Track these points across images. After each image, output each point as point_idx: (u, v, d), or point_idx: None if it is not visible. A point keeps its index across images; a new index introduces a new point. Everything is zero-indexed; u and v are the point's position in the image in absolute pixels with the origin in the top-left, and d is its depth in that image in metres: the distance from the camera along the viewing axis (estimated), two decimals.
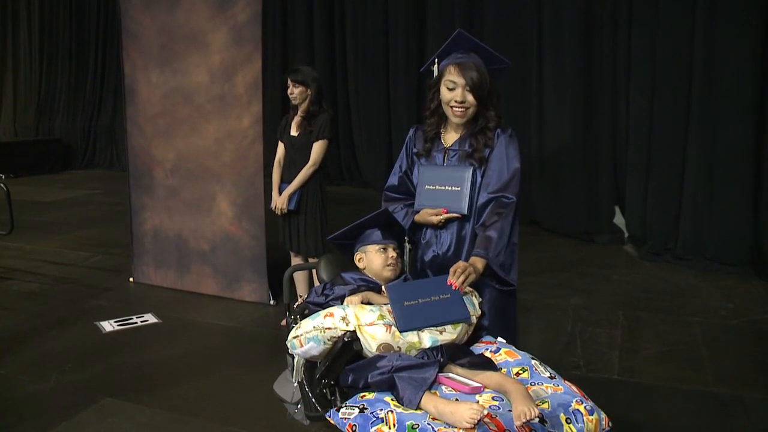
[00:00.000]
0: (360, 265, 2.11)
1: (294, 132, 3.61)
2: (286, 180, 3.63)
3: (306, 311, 2.02)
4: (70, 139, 11.28)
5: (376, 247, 2.08)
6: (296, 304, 2.19)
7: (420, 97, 7.56)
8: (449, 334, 1.76)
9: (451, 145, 2.11)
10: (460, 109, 2.02)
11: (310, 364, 1.89)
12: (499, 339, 1.90)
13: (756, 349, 3.45)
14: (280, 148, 3.68)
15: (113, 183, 9.11)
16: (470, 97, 1.99)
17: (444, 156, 2.11)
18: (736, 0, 4.61)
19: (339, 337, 1.71)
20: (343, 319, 1.71)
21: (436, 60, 2.09)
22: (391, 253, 2.08)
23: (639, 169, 5.32)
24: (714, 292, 4.32)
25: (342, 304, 1.86)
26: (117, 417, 2.76)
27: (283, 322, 3.83)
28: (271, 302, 4.15)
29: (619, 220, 5.68)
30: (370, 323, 1.70)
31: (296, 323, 1.90)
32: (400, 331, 1.70)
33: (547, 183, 5.97)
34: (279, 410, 2.84)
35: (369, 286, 2.01)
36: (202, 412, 2.81)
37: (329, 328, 1.72)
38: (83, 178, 10.09)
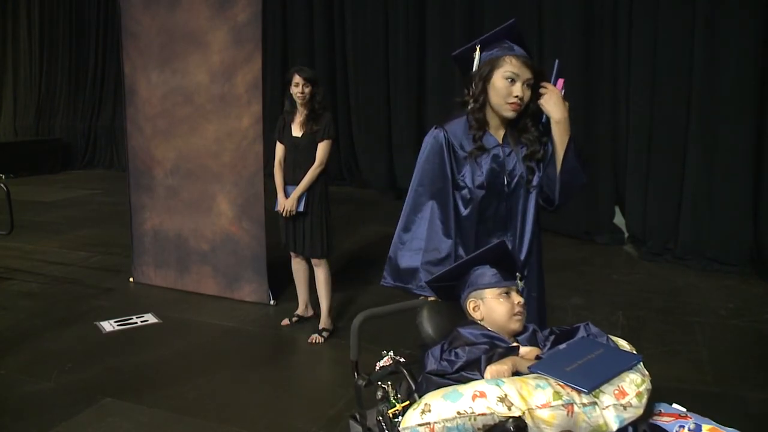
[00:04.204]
0: (475, 314, 1.71)
1: (297, 132, 3.57)
2: (289, 181, 3.60)
3: (391, 372, 1.62)
4: (70, 139, 11.26)
5: (496, 291, 1.69)
6: (381, 365, 1.68)
7: (421, 97, 7.56)
8: (634, 408, 1.41)
9: (503, 143, 1.93)
10: (517, 104, 1.86)
11: None
12: (690, 412, 1.61)
13: (756, 349, 3.45)
14: (280, 149, 3.64)
15: (113, 183, 9.10)
16: (528, 93, 1.86)
17: (504, 154, 1.91)
18: (736, 0, 4.62)
19: (497, 424, 1.31)
20: (502, 400, 1.31)
21: (478, 47, 1.90)
22: (516, 298, 1.70)
23: (639, 169, 5.32)
24: (714, 292, 4.32)
25: (482, 374, 1.46)
26: (117, 417, 2.76)
27: (284, 322, 3.83)
28: (271, 302, 4.14)
29: (619, 220, 5.68)
30: (543, 405, 1.32)
31: (385, 395, 1.54)
32: (587, 392, 1.36)
33: None
34: (279, 410, 2.85)
35: (494, 342, 1.61)
36: (202, 412, 2.81)
37: (483, 414, 1.31)
38: (83, 178, 10.08)
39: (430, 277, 1.81)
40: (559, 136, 1.86)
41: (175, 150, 4.36)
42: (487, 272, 1.71)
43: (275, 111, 6.52)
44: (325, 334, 3.61)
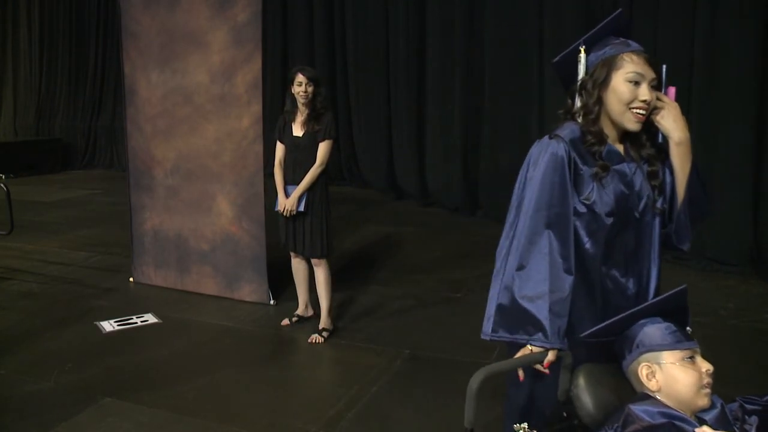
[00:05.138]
0: (650, 384, 1.33)
1: (298, 132, 3.57)
2: (290, 181, 3.60)
3: None
4: (70, 139, 11.27)
5: (678, 354, 1.32)
6: None
7: (421, 97, 7.56)
8: None
9: (627, 158, 1.61)
10: (643, 112, 1.54)
11: None
12: None
13: (756, 349, 3.45)
14: (280, 148, 3.63)
15: (113, 183, 9.10)
16: (654, 97, 1.55)
17: (631, 172, 1.59)
18: (736, 1, 4.62)
19: None
20: None
21: (582, 48, 1.62)
22: (704, 364, 1.32)
23: None
24: (714, 292, 4.32)
25: None
26: (117, 417, 2.76)
27: (284, 322, 3.83)
28: (271, 302, 4.14)
29: None
30: None
31: None
32: None
33: None
34: (279, 410, 2.85)
35: (677, 425, 1.25)
36: (202, 411, 2.81)
37: None
38: (83, 178, 10.08)
39: (559, 327, 1.48)
40: (680, 161, 1.57)
41: (175, 150, 4.36)
42: (663, 328, 1.34)
43: (275, 111, 6.53)
44: (325, 334, 3.61)
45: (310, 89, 3.48)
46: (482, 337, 1.61)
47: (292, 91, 3.51)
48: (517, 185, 1.64)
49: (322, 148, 3.52)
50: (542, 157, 1.58)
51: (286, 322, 3.83)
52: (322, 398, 2.97)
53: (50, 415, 2.77)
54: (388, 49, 7.89)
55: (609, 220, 1.55)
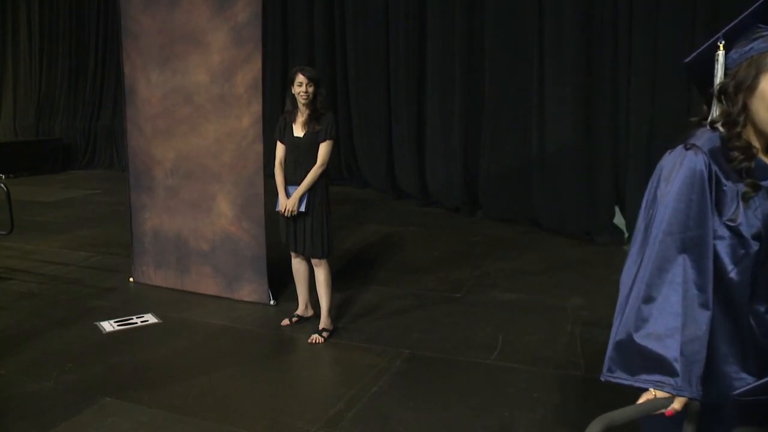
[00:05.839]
0: None
1: (299, 132, 3.57)
2: (290, 181, 3.59)
3: None
4: (70, 139, 11.28)
5: None
6: None
7: (421, 97, 7.56)
8: None
9: None
10: None
11: None
12: None
13: None
14: (280, 149, 3.63)
15: (113, 183, 9.11)
16: None
17: None
18: (736, 1, 4.62)
19: None
20: None
21: (721, 44, 1.34)
22: None
23: (639, 169, 5.32)
24: None
25: None
26: (117, 417, 2.76)
27: (284, 322, 3.84)
28: (271, 302, 4.14)
29: (619, 220, 5.68)
30: None
31: None
32: None
33: (547, 183, 5.97)
34: (279, 410, 2.85)
35: None
36: (202, 411, 2.82)
37: None
38: (83, 178, 10.09)
39: (685, 369, 1.26)
40: None
41: (175, 150, 4.36)
42: None
43: (275, 111, 6.53)
44: (325, 334, 3.61)
45: (310, 89, 3.47)
46: (601, 378, 1.38)
47: (293, 92, 3.50)
48: (644, 204, 1.41)
49: (323, 149, 3.52)
50: (676, 171, 1.35)
51: (286, 322, 3.84)
52: (322, 398, 2.97)
53: (51, 414, 2.77)
54: (388, 49, 7.88)
55: (756, 246, 1.31)
